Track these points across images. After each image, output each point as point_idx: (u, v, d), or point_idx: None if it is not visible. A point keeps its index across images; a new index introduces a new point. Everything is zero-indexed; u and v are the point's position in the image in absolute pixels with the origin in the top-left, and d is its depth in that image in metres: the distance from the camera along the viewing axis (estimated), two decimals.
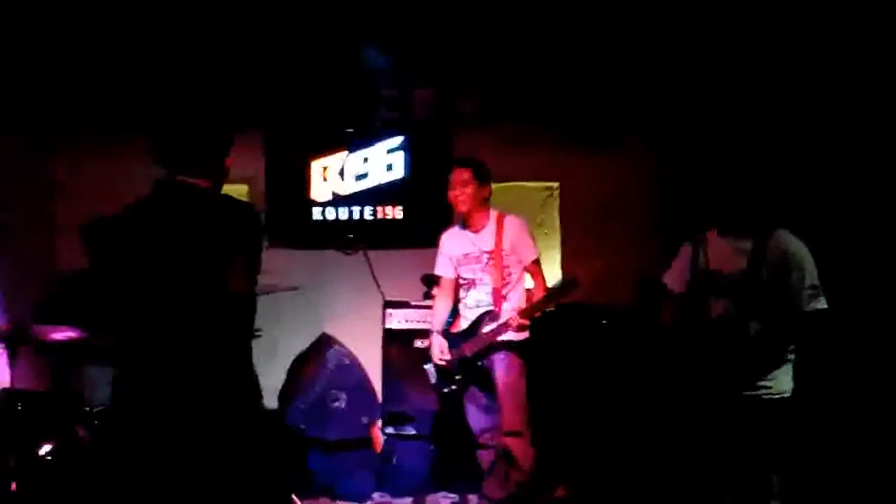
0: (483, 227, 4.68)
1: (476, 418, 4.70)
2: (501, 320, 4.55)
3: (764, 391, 3.63)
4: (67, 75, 5.62)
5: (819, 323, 3.64)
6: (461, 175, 4.62)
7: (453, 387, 4.67)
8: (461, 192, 4.61)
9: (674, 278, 3.97)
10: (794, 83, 5.05)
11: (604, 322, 5.40)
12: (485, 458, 4.70)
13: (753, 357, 3.63)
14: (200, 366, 2.98)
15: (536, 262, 4.68)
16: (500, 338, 4.54)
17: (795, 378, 3.70)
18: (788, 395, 3.67)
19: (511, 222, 4.67)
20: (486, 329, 4.58)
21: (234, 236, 3.08)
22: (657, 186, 5.77)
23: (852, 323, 4.43)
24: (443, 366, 4.66)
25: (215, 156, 3.25)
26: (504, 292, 4.61)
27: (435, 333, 4.75)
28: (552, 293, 4.53)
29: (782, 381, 3.67)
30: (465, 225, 4.73)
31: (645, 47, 5.39)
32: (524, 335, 4.58)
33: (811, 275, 3.62)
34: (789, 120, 5.00)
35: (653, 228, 5.66)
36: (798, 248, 3.67)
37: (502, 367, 4.56)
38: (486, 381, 4.62)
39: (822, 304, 3.62)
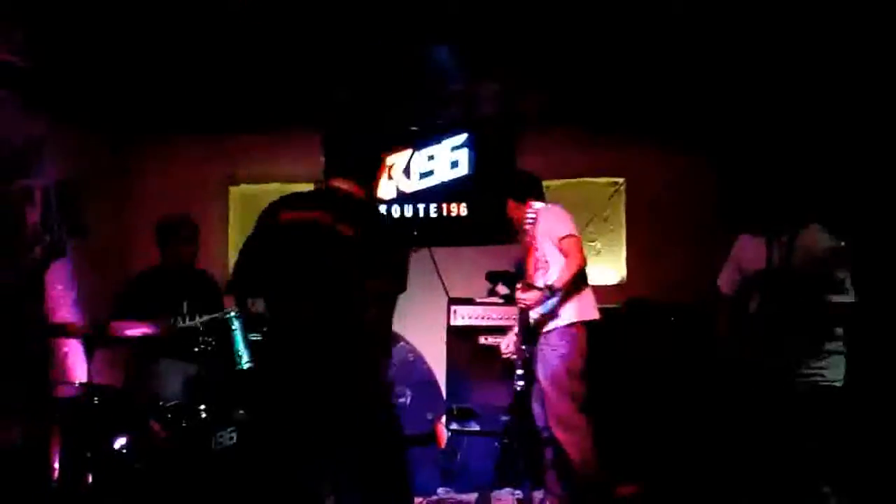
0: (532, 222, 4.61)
1: (539, 414, 4.65)
2: (549, 306, 4.50)
3: (817, 378, 3.75)
4: (144, 79, 5.77)
5: (847, 315, 3.77)
6: (516, 210, 4.68)
7: (520, 382, 4.59)
8: (513, 220, 4.71)
9: (724, 281, 4.15)
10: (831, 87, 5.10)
11: (672, 319, 5.35)
12: (546, 453, 4.68)
13: (796, 346, 3.75)
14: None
15: (566, 238, 4.53)
16: (540, 327, 4.51)
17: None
18: (840, 384, 3.78)
19: (545, 208, 4.60)
20: (532, 315, 4.57)
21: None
22: (721, 184, 5.69)
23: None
24: (511, 360, 4.64)
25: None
26: (538, 279, 4.54)
27: (509, 333, 4.77)
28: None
29: (833, 371, 3.78)
30: None
31: (705, 46, 5.32)
32: (566, 319, 4.50)
33: (839, 269, 3.76)
34: (821, 119, 5.12)
35: (719, 225, 5.59)
36: (829, 242, 3.81)
37: (541, 359, 4.54)
38: (534, 373, 4.59)
39: (849, 297, 3.76)
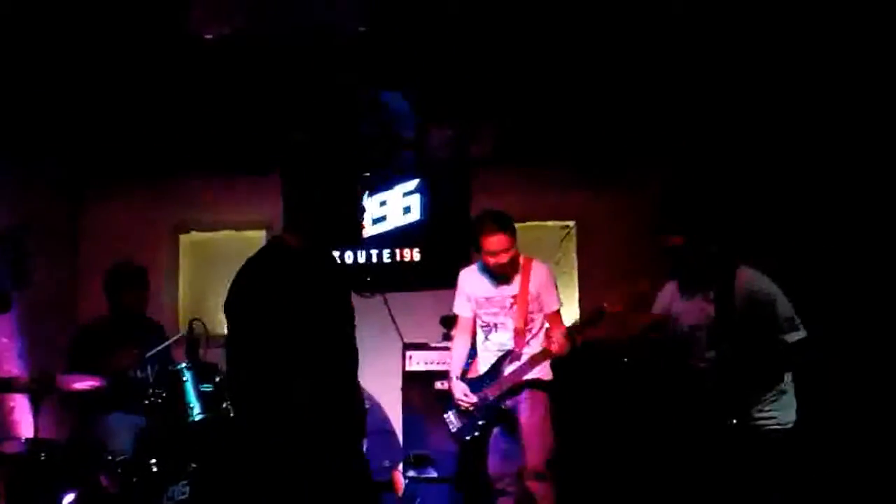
0: (511, 271, 4.56)
1: (496, 464, 4.61)
2: (523, 360, 4.49)
3: (771, 423, 3.72)
4: (91, 124, 5.71)
5: (802, 352, 3.73)
6: (502, 242, 4.43)
7: (475, 433, 4.57)
8: (503, 257, 4.45)
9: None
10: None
11: (625, 360, 5.38)
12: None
13: (745, 391, 3.71)
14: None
15: (558, 312, 4.62)
16: (525, 377, 4.47)
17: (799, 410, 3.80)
18: (790, 426, 3.76)
19: (538, 268, 4.61)
20: (509, 369, 4.52)
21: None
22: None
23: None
24: (467, 409, 4.55)
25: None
26: (527, 337, 4.55)
27: (455, 379, 4.65)
28: (587, 320, 4.45)
29: (786, 413, 3.76)
30: (487, 268, 4.59)
31: (653, 86, 5.44)
32: (548, 374, 4.54)
33: (783, 307, 3.71)
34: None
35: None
36: (762, 284, 3.76)
37: (526, 408, 4.50)
38: (508, 425, 4.56)
39: (800, 334, 3.72)
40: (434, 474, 5.40)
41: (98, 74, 5.24)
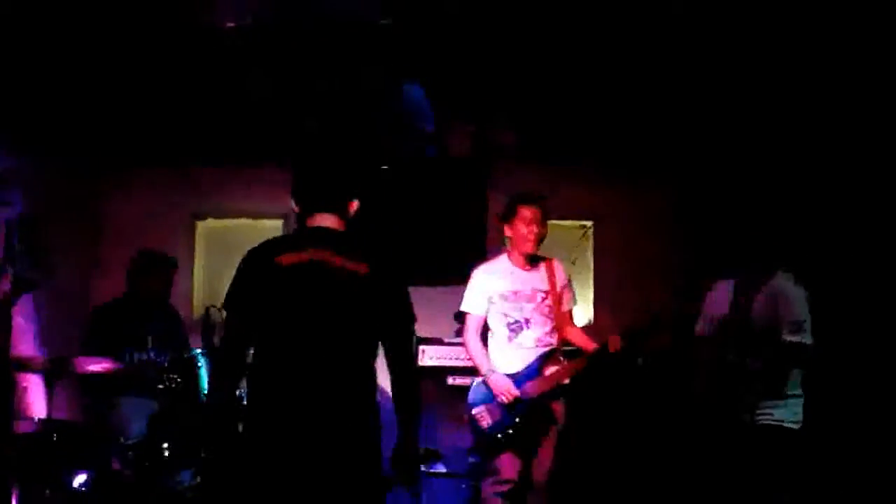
0: (535, 267, 4.53)
1: (510, 465, 4.42)
2: (563, 361, 4.46)
3: (764, 417, 3.81)
4: (110, 110, 5.74)
5: (799, 356, 3.83)
6: (535, 213, 4.42)
7: (510, 431, 4.39)
8: (532, 230, 4.42)
9: (698, 329, 4.23)
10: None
11: (639, 361, 5.35)
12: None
13: (749, 387, 3.83)
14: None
15: (571, 312, 4.63)
16: (567, 380, 4.43)
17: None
18: (796, 428, 3.85)
19: (559, 265, 4.60)
20: (551, 370, 4.44)
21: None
22: (689, 226, 5.75)
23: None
24: (506, 405, 4.37)
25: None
26: (543, 328, 4.50)
27: (496, 372, 4.43)
28: (649, 328, 4.38)
29: (785, 412, 3.85)
30: (511, 261, 4.56)
31: (678, 87, 5.41)
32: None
33: (797, 312, 3.84)
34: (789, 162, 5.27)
35: (686, 268, 5.64)
36: (789, 288, 3.92)
37: (562, 413, 4.44)
38: (540, 425, 4.44)
39: (803, 338, 3.81)
40: (443, 469, 5.40)
41: (118, 62, 5.26)
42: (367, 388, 3.01)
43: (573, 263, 6.16)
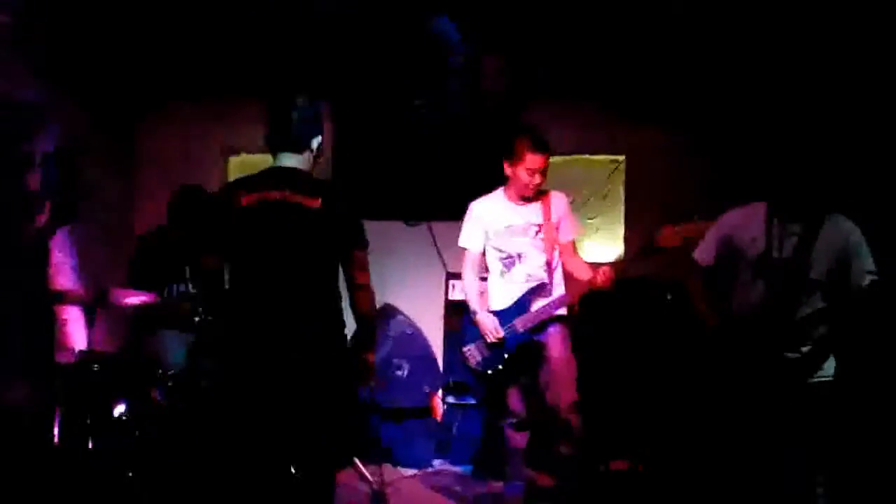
0: (530, 200, 4.52)
1: (517, 399, 4.56)
2: (555, 295, 4.47)
3: (821, 373, 3.62)
4: (144, 46, 5.74)
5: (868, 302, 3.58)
6: (543, 163, 4.40)
7: (499, 367, 4.48)
8: (533, 181, 4.42)
9: (704, 250, 3.93)
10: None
11: (668, 297, 5.36)
12: (521, 440, 4.61)
13: (815, 346, 3.59)
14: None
15: (573, 242, 4.58)
16: (556, 312, 4.44)
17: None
18: (831, 378, 3.64)
19: (557, 197, 4.56)
20: (539, 303, 4.47)
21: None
22: (722, 162, 5.68)
23: None
24: (493, 343, 4.46)
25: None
26: (553, 266, 4.51)
27: (482, 312, 4.51)
28: (638, 253, 4.47)
29: (830, 364, 3.64)
30: (506, 196, 4.57)
31: (710, 23, 5.31)
32: (565, 309, 4.51)
33: (869, 261, 3.57)
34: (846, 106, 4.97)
35: (720, 203, 5.59)
36: (856, 234, 3.60)
37: (558, 341, 4.46)
38: (532, 359, 4.50)
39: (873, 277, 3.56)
40: (472, 401, 5.48)
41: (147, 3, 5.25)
42: (329, 303, 3.39)
43: (604, 198, 6.14)
